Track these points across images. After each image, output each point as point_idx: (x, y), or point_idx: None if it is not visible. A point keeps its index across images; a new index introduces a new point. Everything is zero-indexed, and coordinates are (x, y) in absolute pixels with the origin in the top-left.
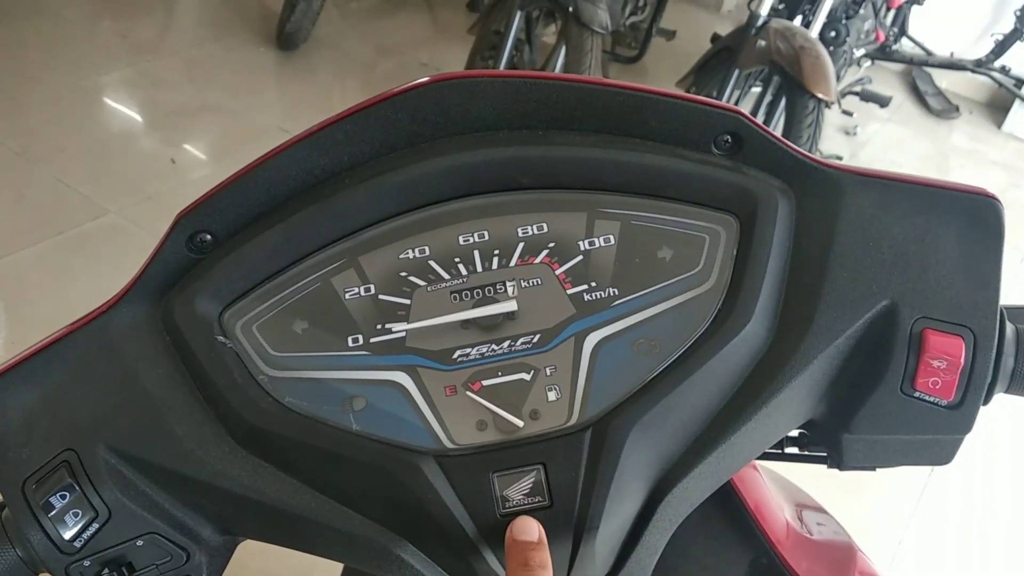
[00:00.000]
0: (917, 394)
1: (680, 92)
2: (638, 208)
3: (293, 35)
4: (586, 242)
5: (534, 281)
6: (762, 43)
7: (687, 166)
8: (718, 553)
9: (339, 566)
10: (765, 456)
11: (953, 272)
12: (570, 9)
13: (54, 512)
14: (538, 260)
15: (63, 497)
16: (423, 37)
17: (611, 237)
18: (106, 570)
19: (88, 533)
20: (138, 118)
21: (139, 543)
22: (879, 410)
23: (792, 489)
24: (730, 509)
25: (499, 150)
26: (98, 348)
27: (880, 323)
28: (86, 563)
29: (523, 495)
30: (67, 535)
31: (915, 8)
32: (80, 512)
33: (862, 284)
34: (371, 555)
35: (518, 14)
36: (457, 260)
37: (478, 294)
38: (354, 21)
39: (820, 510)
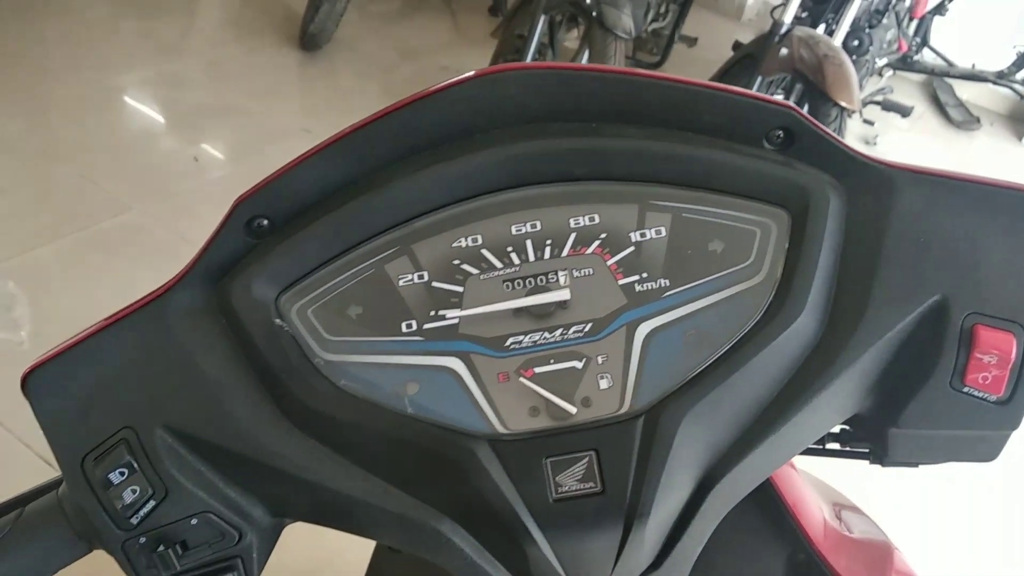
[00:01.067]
0: (966, 389)
1: (733, 87)
2: (689, 201)
3: (316, 36)
4: (637, 233)
5: (586, 271)
6: (785, 51)
7: (739, 160)
8: (756, 548)
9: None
10: (807, 451)
11: (1004, 268)
12: (594, 14)
13: (112, 488)
14: (590, 251)
15: (122, 474)
16: (444, 41)
17: (662, 229)
18: (161, 547)
19: (145, 510)
20: (161, 117)
21: (193, 521)
22: (927, 405)
23: (828, 489)
24: (768, 505)
25: (552, 141)
26: (155, 330)
27: (931, 318)
28: (141, 540)
29: (575, 481)
30: (125, 512)
31: (937, 19)
32: (138, 489)
33: (913, 279)
34: (422, 537)
35: (542, 18)
36: (510, 249)
37: (530, 283)
38: (375, 24)
39: (857, 510)
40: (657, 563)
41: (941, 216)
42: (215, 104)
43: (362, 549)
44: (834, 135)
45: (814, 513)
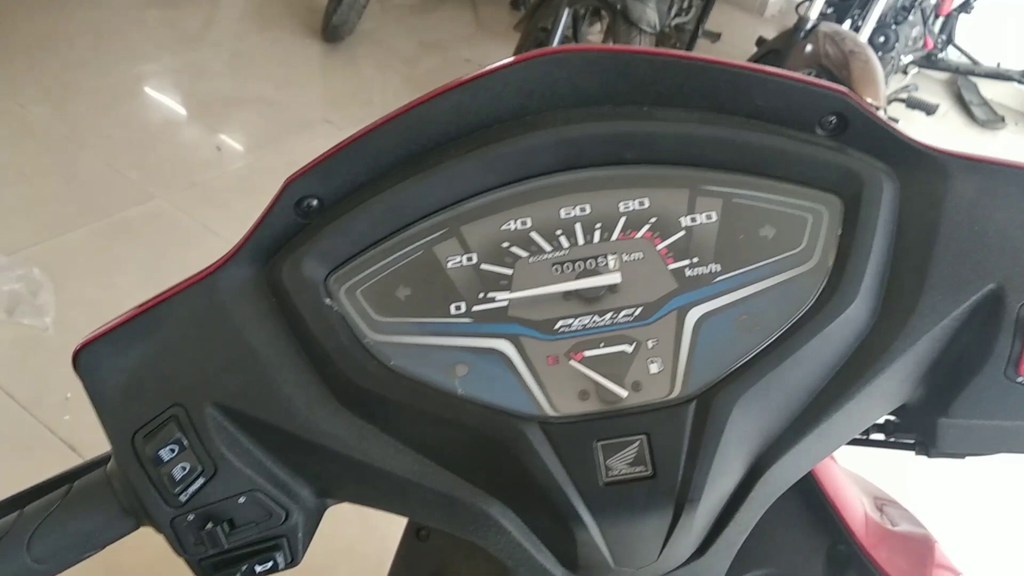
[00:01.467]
0: (1020, 379)
1: (786, 71)
2: (741, 186)
3: (339, 28)
4: (688, 218)
5: (635, 255)
6: (810, 47)
7: (791, 145)
8: (796, 540)
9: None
10: (852, 442)
11: None
12: (618, 7)
13: (162, 465)
14: (640, 235)
15: (172, 451)
16: (466, 34)
17: (713, 214)
18: (209, 524)
19: (194, 487)
20: (184, 107)
21: (241, 500)
22: (980, 394)
23: (868, 485)
24: (808, 497)
25: (603, 124)
26: (205, 308)
27: (985, 307)
28: (190, 517)
29: (626, 464)
30: (174, 488)
31: (962, 17)
32: (188, 466)
33: (968, 267)
34: (469, 519)
35: (566, 12)
36: (559, 233)
37: (580, 266)
38: (397, 16)
39: (896, 504)
40: (702, 550)
41: (996, 203)
42: (238, 94)
43: (384, 540)
44: (887, 121)
45: (854, 506)
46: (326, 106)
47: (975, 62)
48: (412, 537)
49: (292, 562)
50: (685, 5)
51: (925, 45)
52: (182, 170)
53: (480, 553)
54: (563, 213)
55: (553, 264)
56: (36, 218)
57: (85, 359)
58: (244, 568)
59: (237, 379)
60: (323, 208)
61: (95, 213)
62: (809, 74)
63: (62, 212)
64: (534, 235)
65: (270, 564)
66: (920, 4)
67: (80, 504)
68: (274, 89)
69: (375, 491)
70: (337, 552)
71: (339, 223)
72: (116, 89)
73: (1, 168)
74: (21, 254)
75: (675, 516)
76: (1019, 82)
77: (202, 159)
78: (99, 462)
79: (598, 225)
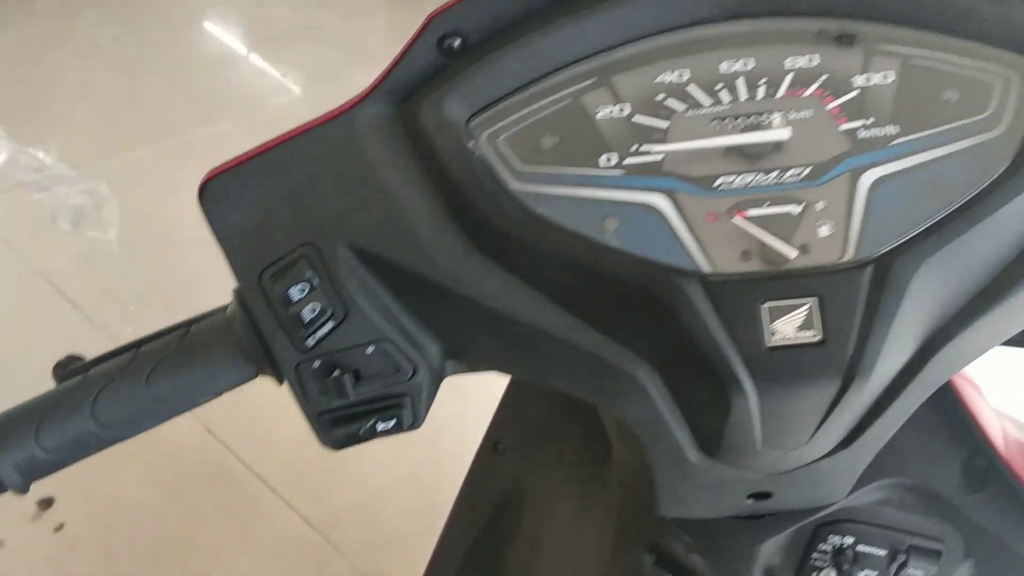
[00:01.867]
0: None
1: None
2: (922, 45)
3: None
4: (863, 77)
5: (803, 114)
6: None
7: (983, 2)
8: (932, 450)
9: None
10: (1010, 342)
11: None
12: None
13: (292, 305)
14: (808, 93)
15: (302, 291)
16: None
17: (891, 74)
18: (336, 372)
19: (322, 332)
20: (250, 34)
21: (370, 350)
22: None
23: (1004, 411)
24: (945, 407)
25: None
26: (340, 144)
27: None
28: (316, 364)
29: (794, 329)
30: (301, 331)
31: None
32: (318, 307)
33: None
34: (611, 382)
35: None
36: (719, 87)
37: (741, 122)
38: None
39: None
40: (849, 440)
41: None
42: (303, 23)
43: (439, 466)
44: None
45: (993, 421)
46: (391, 39)
47: None
48: (489, 450)
49: (414, 423)
50: None
51: None
52: (247, 97)
53: (556, 469)
54: (724, 67)
55: (712, 119)
56: (103, 134)
57: (211, 192)
58: (367, 425)
59: (372, 220)
60: (466, 48)
61: (160, 132)
62: None
63: (128, 130)
64: (692, 88)
65: (393, 423)
66: None
67: (198, 346)
68: (340, 19)
69: (509, 349)
70: (395, 479)
71: (483, 64)
72: (183, 14)
73: (70, 84)
74: (87, 168)
75: (841, 389)
76: None
77: (267, 86)
78: (217, 312)
79: (763, 81)
